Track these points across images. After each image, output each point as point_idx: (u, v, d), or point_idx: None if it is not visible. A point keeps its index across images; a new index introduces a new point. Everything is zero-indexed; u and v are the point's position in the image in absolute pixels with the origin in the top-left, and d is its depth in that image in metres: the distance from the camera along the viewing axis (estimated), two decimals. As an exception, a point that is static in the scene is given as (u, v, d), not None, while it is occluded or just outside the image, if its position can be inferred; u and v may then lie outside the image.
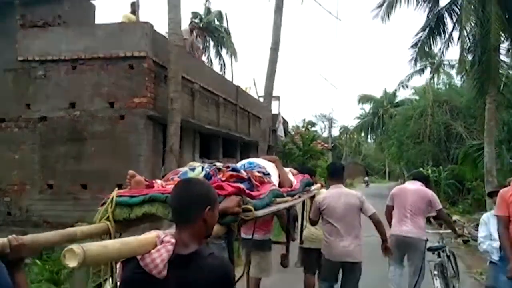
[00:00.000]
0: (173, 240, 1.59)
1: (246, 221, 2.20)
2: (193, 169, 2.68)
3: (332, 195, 4.40)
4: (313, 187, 4.27)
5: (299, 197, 3.62)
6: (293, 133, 24.39)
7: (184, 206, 1.68)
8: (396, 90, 40.47)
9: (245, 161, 3.43)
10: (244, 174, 2.64)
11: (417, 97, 30.41)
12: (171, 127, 8.38)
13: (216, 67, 34.11)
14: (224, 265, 1.69)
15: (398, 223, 5.26)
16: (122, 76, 8.24)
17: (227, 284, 1.65)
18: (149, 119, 8.24)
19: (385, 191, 34.79)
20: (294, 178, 3.78)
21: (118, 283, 1.69)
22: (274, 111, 16.68)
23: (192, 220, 1.65)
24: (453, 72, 28.88)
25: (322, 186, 5.00)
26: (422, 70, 31.97)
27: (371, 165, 61.53)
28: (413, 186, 5.44)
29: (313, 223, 4.61)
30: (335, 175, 4.61)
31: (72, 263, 1.28)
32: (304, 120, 59.92)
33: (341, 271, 4.43)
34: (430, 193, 5.42)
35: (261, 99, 13.90)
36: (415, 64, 22.10)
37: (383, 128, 38.13)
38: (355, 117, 46.46)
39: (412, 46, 20.49)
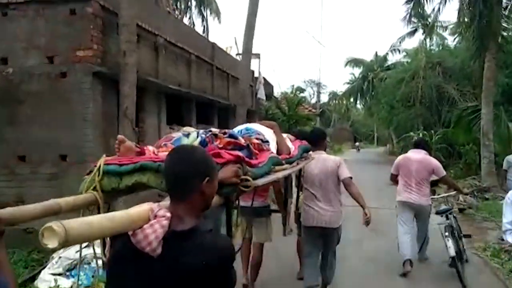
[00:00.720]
0: (168, 215, 1.42)
1: (244, 191, 2.08)
2: (187, 135, 2.47)
3: (312, 161, 4.25)
4: (311, 152, 4.21)
5: (297, 164, 3.52)
6: (279, 98, 23.20)
7: (180, 177, 1.50)
8: (387, 53, 39.41)
9: (242, 127, 3.32)
10: (242, 141, 2.48)
11: (408, 60, 29.46)
12: (124, 87, 7.04)
13: (199, 29, 32.55)
14: (225, 243, 1.53)
15: (404, 191, 5.64)
16: (62, 24, 6.81)
17: (227, 262, 1.49)
18: (97, 77, 6.87)
19: (375, 156, 34.95)
20: (292, 144, 3.72)
21: (106, 260, 1.60)
22: (255, 72, 15.31)
23: (189, 192, 1.49)
24: (446, 33, 27.95)
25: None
26: (413, 32, 31.46)
27: (360, 131, 61.70)
28: (418, 155, 5.70)
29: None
30: (316, 141, 4.49)
31: (51, 243, 1.12)
32: (292, 86, 59.23)
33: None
34: (434, 162, 5.80)
35: (239, 58, 12.49)
36: (409, 22, 20.98)
37: (373, 93, 37.23)
38: (345, 83, 45.33)
39: (406, 2, 19.18)
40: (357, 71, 42.89)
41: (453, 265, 5.07)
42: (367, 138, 62.21)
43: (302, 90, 61.55)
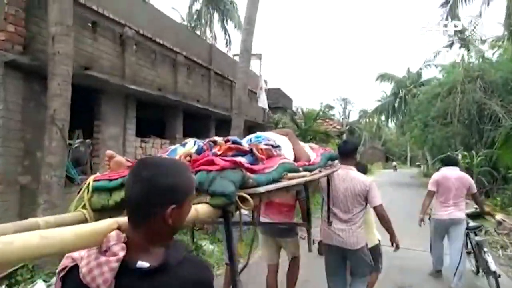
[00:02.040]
0: (121, 254, 1.17)
1: (246, 200, 1.75)
2: (184, 144, 2.31)
3: (339, 174, 3.88)
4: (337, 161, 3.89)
5: (320, 171, 3.08)
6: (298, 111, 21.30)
7: (137, 202, 1.22)
8: (420, 69, 37.05)
9: (251, 136, 3.01)
10: (245, 146, 2.22)
11: (444, 75, 27.04)
12: (53, 83, 5.22)
13: (222, 43, 31.34)
14: (203, 274, 1.30)
15: (442, 207, 5.71)
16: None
17: None
18: (13, 68, 5.10)
19: (408, 178, 32.06)
20: (313, 152, 3.48)
21: None
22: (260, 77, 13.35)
23: (148, 221, 1.22)
24: (485, 47, 25.50)
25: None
26: (450, 46, 29.83)
27: (392, 150, 59.63)
28: (454, 172, 5.79)
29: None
30: (345, 154, 4.07)
31: None
32: (321, 103, 57.30)
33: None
34: (469, 178, 5.90)
35: (237, 58, 10.60)
36: (445, 26, 18.81)
37: (405, 110, 34.83)
38: (376, 100, 42.83)
39: (442, 5, 17.00)
40: (388, 88, 40.61)
41: (495, 278, 5.12)
42: (399, 158, 59.49)
43: (331, 108, 59.67)
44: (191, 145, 2.26)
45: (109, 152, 2.11)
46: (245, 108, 12.76)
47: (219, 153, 2.05)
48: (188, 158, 1.97)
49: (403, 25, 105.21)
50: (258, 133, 3.09)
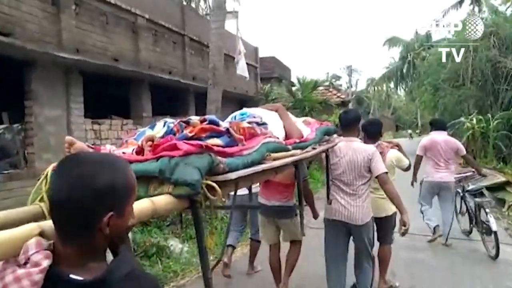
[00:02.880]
0: (45, 264, 0.97)
1: (214, 188, 1.56)
2: (152, 126, 2.06)
3: (340, 147, 3.69)
4: (335, 135, 3.65)
5: (313, 149, 2.84)
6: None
7: (68, 208, 1.00)
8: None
9: (236, 113, 2.72)
10: (222, 126, 1.92)
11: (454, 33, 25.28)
12: None
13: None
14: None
15: (433, 170, 6.01)
16: None
17: None
18: None
19: (412, 146, 30.16)
20: (307, 127, 3.23)
21: None
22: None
23: (81, 230, 1.01)
24: (497, 2, 23.72)
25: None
26: (460, 3, 28.45)
27: (402, 119, 57.63)
28: (442, 136, 6.07)
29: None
30: (346, 125, 3.85)
31: None
32: (327, 73, 55.39)
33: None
34: (457, 142, 6.27)
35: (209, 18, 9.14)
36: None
37: (414, 75, 33.11)
38: (384, 67, 40.89)
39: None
40: (397, 53, 38.67)
41: (496, 238, 5.31)
42: (410, 126, 57.92)
43: (338, 78, 57.67)
44: (160, 127, 2.03)
45: (68, 138, 1.88)
46: (233, 79, 11.38)
47: (190, 135, 1.80)
48: (149, 142, 1.76)
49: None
50: (244, 110, 2.79)
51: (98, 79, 6.99)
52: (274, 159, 2.15)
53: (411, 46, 36.13)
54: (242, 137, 2.02)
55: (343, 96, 19.50)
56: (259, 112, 2.74)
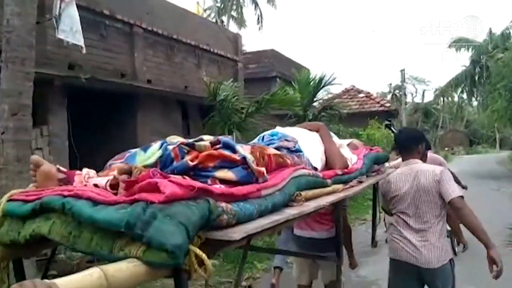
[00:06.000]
0: None
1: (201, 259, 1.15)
2: (145, 149, 1.59)
3: (399, 174, 3.26)
4: (388, 164, 3.31)
5: (359, 182, 2.43)
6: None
7: None
8: (507, 28, 30.28)
9: (266, 132, 2.35)
10: (238, 153, 1.50)
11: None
12: None
13: (252, 19, 27.98)
14: None
15: None
16: None
17: None
18: None
19: (493, 165, 25.16)
20: (352, 154, 2.73)
21: None
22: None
23: None
24: None
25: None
26: None
27: (478, 132, 51.79)
28: None
29: (388, 213, 3.54)
30: (403, 147, 3.39)
31: None
32: (390, 84, 50.80)
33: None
34: None
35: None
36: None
37: (489, 82, 28.29)
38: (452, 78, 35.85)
39: None
40: (466, 57, 33.85)
41: None
42: (487, 140, 51.84)
43: (404, 88, 52.68)
44: (155, 149, 1.55)
45: (34, 157, 1.61)
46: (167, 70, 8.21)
47: (192, 164, 1.41)
48: (124, 176, 1.31)
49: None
50: (277, 129, 2.39)
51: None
52: (307, 199, 1.74)
53: (483, 48, 31.37)
54: (263, 169, 1.56)
55: (388, 105, 15.90)
56: (295, 133, 2.32)
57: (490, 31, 32.63)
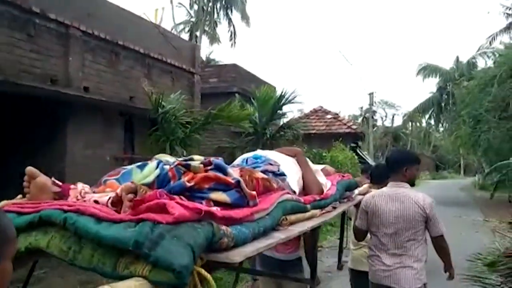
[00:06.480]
0: None
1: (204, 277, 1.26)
2: (141, 166, 1.63)
3: (383, 195, 3.24)
4: (357, 191, 3.35)
5: (334, 208, 2.50)
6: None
7: None
8: (473, 57, 31.02)
9: (249, 155, 2.47)
10: (232, 176, 1.60)
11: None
12: None
13: (225, 35, 27.65)
14: None
15: None
16: None
17: None
18: None
19: (457, 192, 25.10)
20: (326, 179, 2.79)
21: None
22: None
23: None
24: None
25: (371, 186, 3.78)
26: (509, 28, 25.44)
27: (445, 158, 52.65)
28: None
29: (359, 235, 3.48)
30: (392, 167, 3.37)
31: None
32: (361, 108, 51.10)
33: None
34: None
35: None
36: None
37: (454, 109, 28.74)
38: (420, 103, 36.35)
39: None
40: (433, 83, 34.49)
41: None
42: (453, 166, 52.82)
43: (374, 112, 53.18)
44: (151, 168, 1.59)
45: (29, 169, 1.54)
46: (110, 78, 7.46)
47: (189, 184, 1.46)
48: (130, 196, 1.33)
49: (447, 8, 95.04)
50: (258, 152, 2.50)
51: None
52: (291, 223, 1.83)
53: (450, 75, 31.95)
54: (254, 193, 1.63)
55: (354, 127, 15.49)
56: (275, 157, 2.39)
57: (457, 59, 33.42)
